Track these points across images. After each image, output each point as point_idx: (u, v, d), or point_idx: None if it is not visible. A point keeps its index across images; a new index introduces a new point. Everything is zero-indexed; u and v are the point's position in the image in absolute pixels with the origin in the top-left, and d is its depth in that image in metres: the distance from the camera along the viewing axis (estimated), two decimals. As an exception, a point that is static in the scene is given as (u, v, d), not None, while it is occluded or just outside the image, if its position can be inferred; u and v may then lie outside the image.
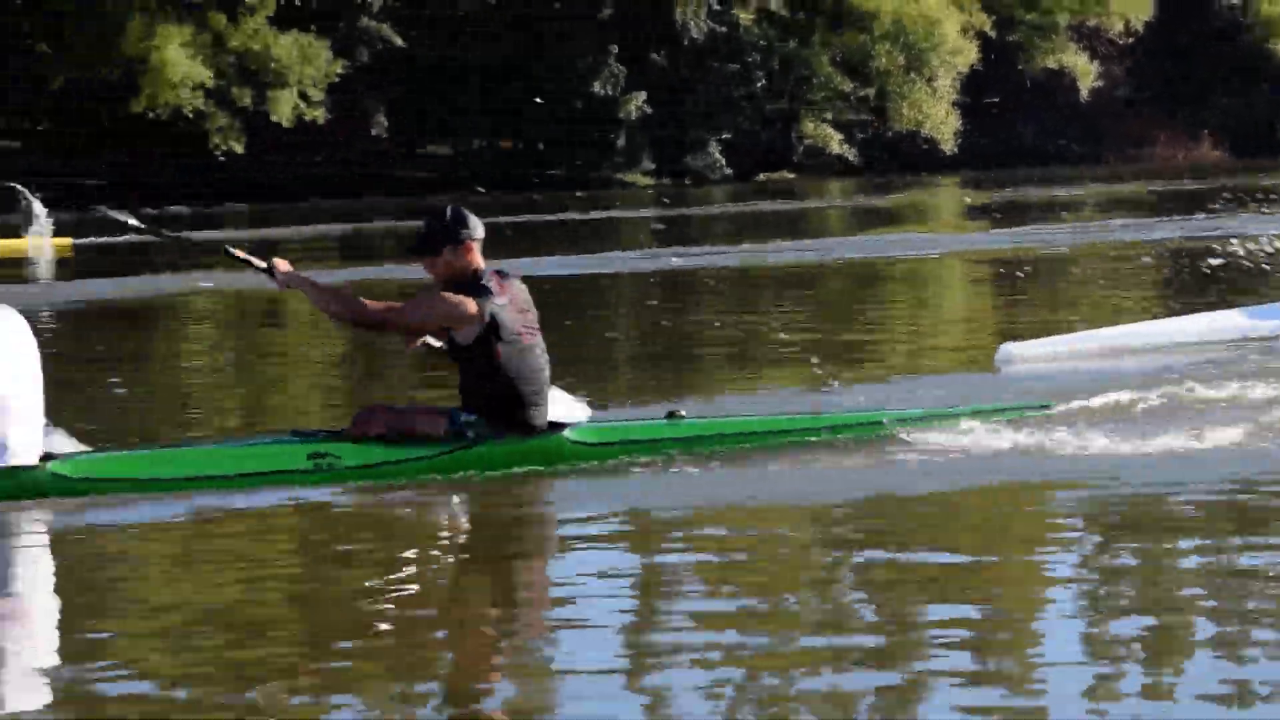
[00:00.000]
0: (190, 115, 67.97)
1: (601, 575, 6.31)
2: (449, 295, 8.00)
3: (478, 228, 8.14)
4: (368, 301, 8.08)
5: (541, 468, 8.10)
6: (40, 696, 4.99)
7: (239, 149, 68.98)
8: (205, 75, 67.75)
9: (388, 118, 73.32)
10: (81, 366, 13.81)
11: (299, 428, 8.39)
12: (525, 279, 8.44)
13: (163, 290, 22.73)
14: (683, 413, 8.80)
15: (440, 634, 5.76)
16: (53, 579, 6.70)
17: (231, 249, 8.43)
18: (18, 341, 7.42)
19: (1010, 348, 11.66)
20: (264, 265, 8.21)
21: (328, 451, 7.90)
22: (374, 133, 73.15)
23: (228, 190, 65.53)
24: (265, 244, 36.62)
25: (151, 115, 67.77)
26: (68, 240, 33.18)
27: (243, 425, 10.33)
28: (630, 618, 5.78)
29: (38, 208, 32.82)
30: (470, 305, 7.95)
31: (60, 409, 8.14)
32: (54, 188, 63.50)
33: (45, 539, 7.29)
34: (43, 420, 7.60)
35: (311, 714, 4.73)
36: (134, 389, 12.63)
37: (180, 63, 67.21)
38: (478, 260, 8.12)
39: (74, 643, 5.60)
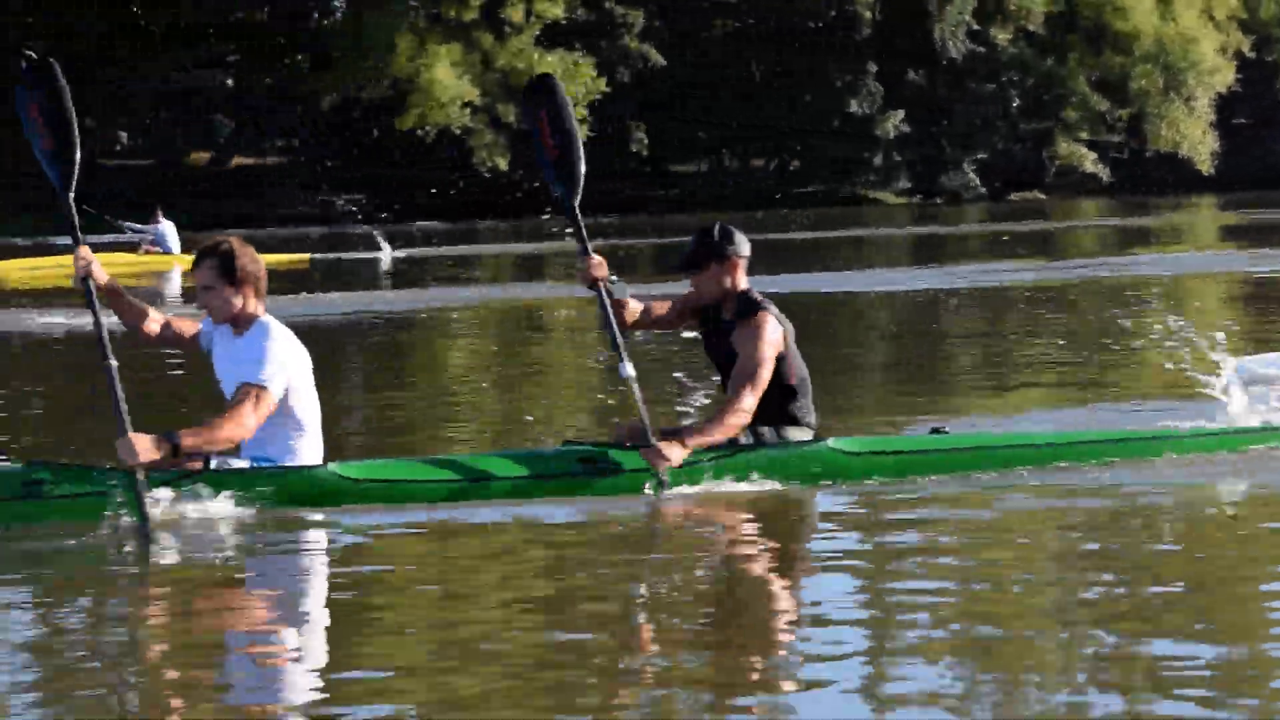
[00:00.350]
0: (458, 132, 69.31)
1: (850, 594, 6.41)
2: (762, 329, 8.11)
3: (744, 245, 8.32)
4: (732, 417, 8.15)
5: (801, 477, 8.19)
6: (320, 695, 5.12)
7: (503, 165, 70.20)
8: (472, 93, 69.10)
9: (647, 135, 74.03)
10: (354, 376, 14.24)
11: (569, 439, 8.60)
12: (777, 296, 8.58)
13: (424, 303, 23.26)
14: (946, 429, 8.88)
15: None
16: (333, 580, 6.84)
17: None
18: (294, 350, 7.70)
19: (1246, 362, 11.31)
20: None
21: (600, 458, 8.06)
22: (633, 149, 73.91)
23: (488, 206, 66.60)
24: (528, 258, 37.24)
25: (420, 133, 69.27)
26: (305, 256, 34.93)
27: (511, 435, 10.57)
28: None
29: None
30: (776, 330, 8.17)
31: (335, 417, 8.36)
32: (311, 203, 65.34)
33: (327, 540, 7.48)
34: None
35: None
36: (406, 398, 13.01)
37: (449, 81, 68.61)
38: (742, 278, 8.30)
39: (361, 643, 5.74)
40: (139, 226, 33.77)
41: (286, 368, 7.60)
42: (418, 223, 57.82)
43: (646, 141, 74.09)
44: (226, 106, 74.96)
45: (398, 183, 67.73)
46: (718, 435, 8.00)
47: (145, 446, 7.33)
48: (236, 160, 74.69)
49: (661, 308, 8.52)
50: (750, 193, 71.13)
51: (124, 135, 75.44)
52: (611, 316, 8.30)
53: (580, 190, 8.49)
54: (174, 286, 26.95)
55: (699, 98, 74.54)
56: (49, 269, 29.07)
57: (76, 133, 7.85)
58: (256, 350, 7.60)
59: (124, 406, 7.55)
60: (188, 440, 7.38)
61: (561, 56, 70.06)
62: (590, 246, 8.37)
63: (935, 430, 8.75)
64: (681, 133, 75.01)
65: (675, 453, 7.88)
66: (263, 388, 7.49)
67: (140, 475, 7.35)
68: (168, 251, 32.28)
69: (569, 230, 8.55)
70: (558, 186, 8.52)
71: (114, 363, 7.66)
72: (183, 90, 70.10)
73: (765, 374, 8.07)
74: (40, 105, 7.88)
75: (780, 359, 8.13)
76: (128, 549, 7.28)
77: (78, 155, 7.84)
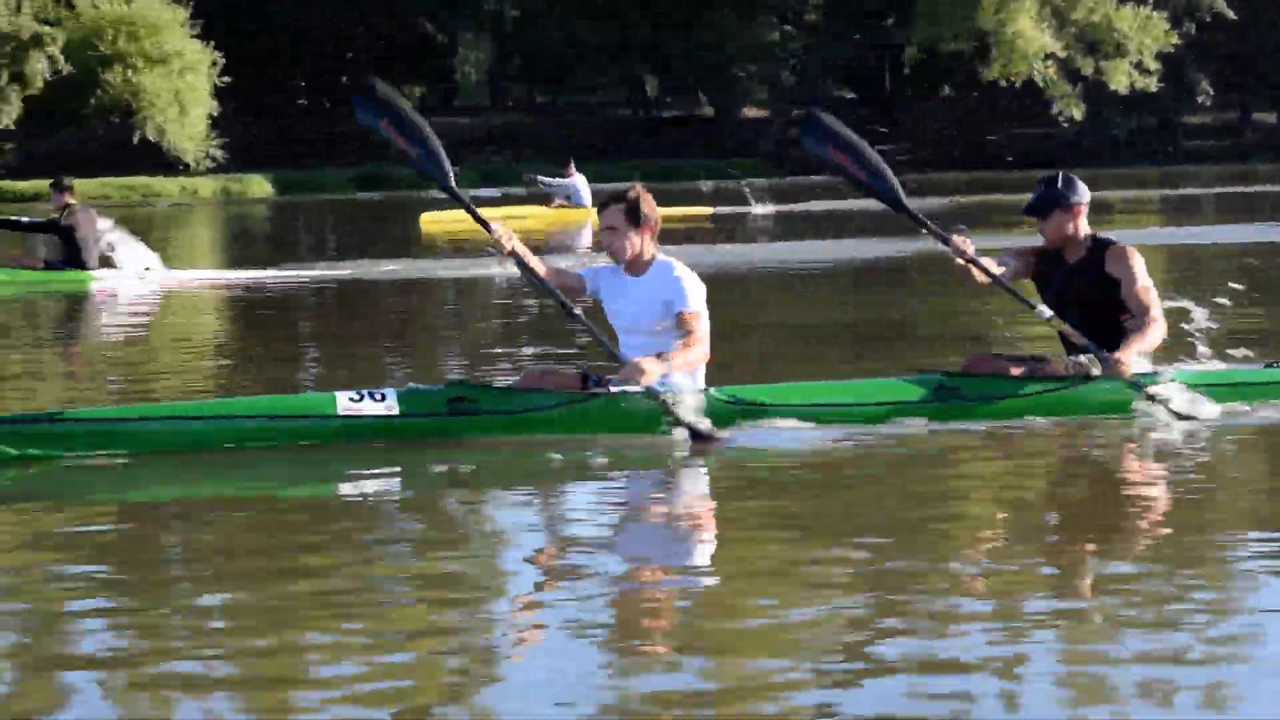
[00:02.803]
0: (1041, 84, 69.16)
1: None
2: (1135, 265, 8.35)
3: (1084, 193, 8.62)
4: (1149, 336, 8.28)
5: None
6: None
7: (1077, 115, 69.60)
8: (1054, 45, 68.88)
9: (1212, 87, 72.02)
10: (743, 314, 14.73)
11: (923, 368, 8.93)
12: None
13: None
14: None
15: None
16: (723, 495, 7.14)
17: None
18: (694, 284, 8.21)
19: None
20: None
21: (952, 385, 8.49)
22: (1199, 100, 72.07)
23: (1061, 156, 66.08)
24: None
25: (1004, 84, 69.40)
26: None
27: (869, 367, 10.47)
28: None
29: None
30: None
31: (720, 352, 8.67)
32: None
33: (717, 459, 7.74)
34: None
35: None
36: (785, 335, 13.41)
37: (1032, 35, 68.51)
38: (1083, 224, 8.60)
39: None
40: (550, 180, 33.19)
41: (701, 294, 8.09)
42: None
43: (1211, 94, 72.20)
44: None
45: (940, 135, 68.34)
46: (1145, 344, 8.21)
47: (651, 366, 7.75)
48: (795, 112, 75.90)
49: (1016, 264, 8.78)
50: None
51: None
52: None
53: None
54: (585, 239, 26.36)
55: (1269, 49, 72.06)
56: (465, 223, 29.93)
57: (430, 133, 8.19)
58: (673, 284, 7.99)
59: (605, 338, 8.07)
60: (676, 362, 7.82)
61: (1135, 10, 69.07)
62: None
63: (1269, 365, 8.85)
64: (1251, 84, 72.76)
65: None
66: (698, 312, 7.92)
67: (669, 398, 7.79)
68: (580, 205, 31.78)
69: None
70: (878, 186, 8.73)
71: (578, 310, 8.05)
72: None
73: (1153, 291, 8.31)
74: (394, 127, 8.25)
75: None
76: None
77: (443, 156, 8.19)
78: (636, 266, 8.17)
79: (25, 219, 19.38)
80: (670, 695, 4.18)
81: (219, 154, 64.00)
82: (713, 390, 8.12)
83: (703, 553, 6.06)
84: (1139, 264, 8.37)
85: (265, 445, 7.72)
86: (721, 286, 13.03)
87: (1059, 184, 8.55)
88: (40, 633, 4.92)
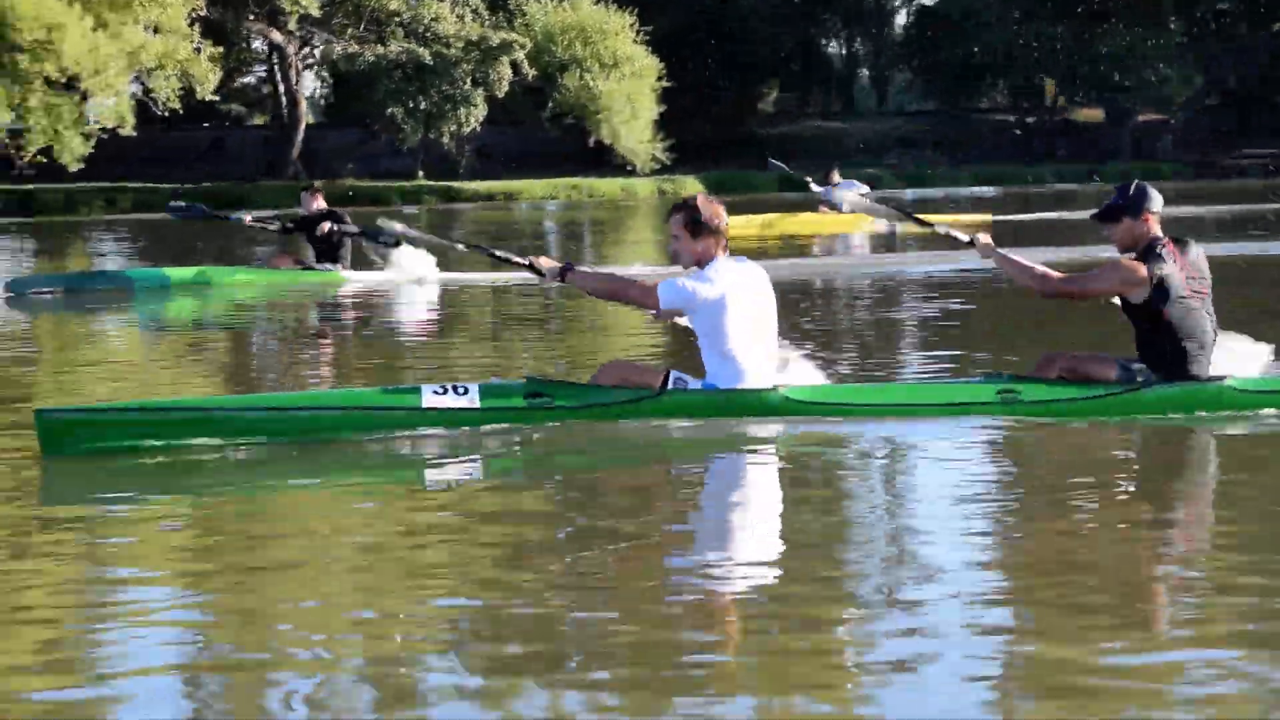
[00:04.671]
0: None
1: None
2: (1124, 262, 8.46)
3: (1156, 201, 8.53)
4: (1051, 273, 8.62)
5: (1204, 414, 8.37)
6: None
7: None
8: None
9: None
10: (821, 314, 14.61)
11: (989, 370, 9.00)
12: None
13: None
14: None
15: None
16: (781, 489, 7.23)
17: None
18: (736, 283, 8.57)
19: None
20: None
21: (1013, 389, 8.56)
22: None
23: None
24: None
25: None
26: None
27: (940, 370, 10.61)
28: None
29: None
30: (1140, 270, 8.37)
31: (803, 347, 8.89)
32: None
33: (776, 453, 7.86)
34: (778, 355, 8.74)
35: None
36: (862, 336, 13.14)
37: None
38: (1155, 230, 8.52)
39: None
40: (818, 187, 32.03)
41: (702, 293, 8.21)
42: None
43: None
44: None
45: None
46: (1029, 268, 8.45)
47: (549, 264, 8.47)
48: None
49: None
50: None
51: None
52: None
53: None
54: (854, 242, 25.92)
55: None
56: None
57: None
58: (698, 273, 8.33)
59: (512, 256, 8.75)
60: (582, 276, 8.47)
61: None
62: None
63: None
64: None
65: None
66: (655, 286, 8.29)
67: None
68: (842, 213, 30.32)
69: None
70: None
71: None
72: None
73: (1095, 286, 8.34)
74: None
75: (1163, 300, 8.33)
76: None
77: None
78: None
79: (276, 223, 19.77)
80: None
81: (664, 156, 65.53)
82: (789, 389, 8.35)
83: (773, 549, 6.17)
84: (1120, 266, 8.32)
85: (358, 435, 8.18)
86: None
87: (1131, 191, 8.54)
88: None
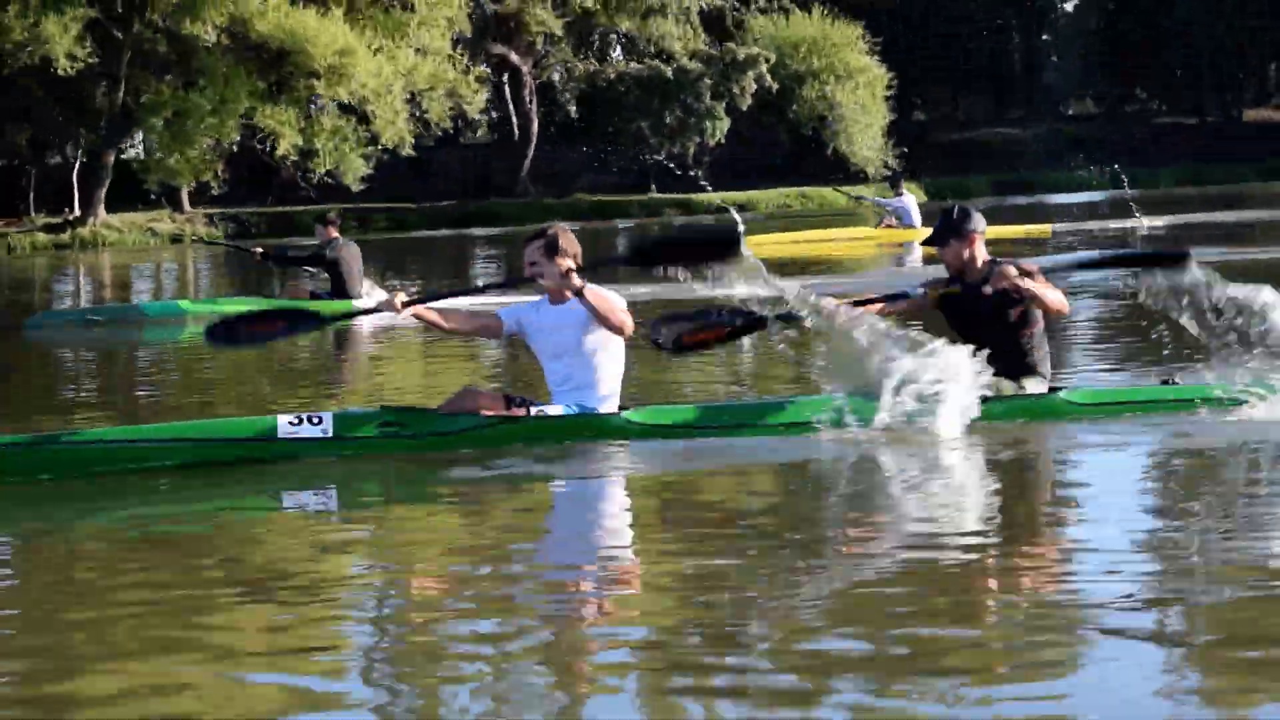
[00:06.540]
0: None
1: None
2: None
3: (980, 222, 8.51)
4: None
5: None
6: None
7: None
8: None
9: None
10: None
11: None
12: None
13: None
14: (1177, 380, 8.76)
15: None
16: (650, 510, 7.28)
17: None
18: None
19: None
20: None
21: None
22: None
23: None
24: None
25: None
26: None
27: (795, 388, 10.23)
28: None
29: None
30: None
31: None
32: None
33: (622, 475, 7.92)
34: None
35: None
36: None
37: None
38: (980, 250, 8.49)
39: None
40: (883, 200, 31.40)
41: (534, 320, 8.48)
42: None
43: None
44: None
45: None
46: (1046, 288, 8.36)
47: (396, 300, 8.44)
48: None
49: (924, 291, 8.82)
50: None
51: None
52: None
53: None
54: (914, 259, 25.02)
55: None
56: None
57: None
58: (599, 298, 8.34)
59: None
60: (424, 311, 8.48)
61: None
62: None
63: (1165, 381, 8.74)
64: None
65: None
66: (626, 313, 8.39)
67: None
68: (909, 226, 29.94)
69: None
70: None
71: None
72: None
73: (1048, 295, 8.32)
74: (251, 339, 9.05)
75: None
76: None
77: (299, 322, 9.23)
78: (557, 296, 8.53)
79: (291, 253, 19.91)
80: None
81: (895, 164, 65.18)
82: (630, 412, 8.45)
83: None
84: (1034, 274, 8.37)
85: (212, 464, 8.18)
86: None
87: (954, 215, 8.52)
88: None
